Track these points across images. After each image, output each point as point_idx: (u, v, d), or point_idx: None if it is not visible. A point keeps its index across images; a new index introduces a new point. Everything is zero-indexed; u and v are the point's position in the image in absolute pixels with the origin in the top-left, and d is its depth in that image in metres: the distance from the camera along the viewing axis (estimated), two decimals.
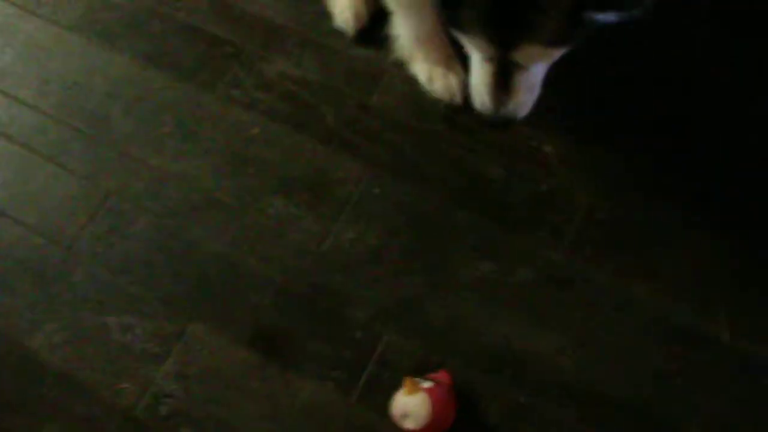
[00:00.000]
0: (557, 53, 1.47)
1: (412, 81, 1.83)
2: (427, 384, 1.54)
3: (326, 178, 1.77)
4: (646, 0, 1.30)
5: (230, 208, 1.76)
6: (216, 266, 1.72)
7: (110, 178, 1.81)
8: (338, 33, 1.91)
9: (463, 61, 1.71)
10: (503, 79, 1.49)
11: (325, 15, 1.92)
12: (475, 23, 1.37)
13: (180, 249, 1.74)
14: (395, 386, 1.56)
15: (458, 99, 1.79)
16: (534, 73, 1.51)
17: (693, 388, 1.59)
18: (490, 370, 1.62)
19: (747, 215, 1.72)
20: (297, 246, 1.72)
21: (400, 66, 1.85)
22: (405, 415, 1.53)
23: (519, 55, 1.42)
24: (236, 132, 1.83)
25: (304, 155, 1.80)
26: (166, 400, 1.62)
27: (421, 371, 1.59)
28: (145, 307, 1.70)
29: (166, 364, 1.65)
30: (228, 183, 1.78)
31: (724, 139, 1.79)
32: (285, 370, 1.64)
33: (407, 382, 1.53)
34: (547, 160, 1.78)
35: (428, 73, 1.81)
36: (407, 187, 1.76)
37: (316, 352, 1.65)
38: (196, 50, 1.92)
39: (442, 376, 1.59)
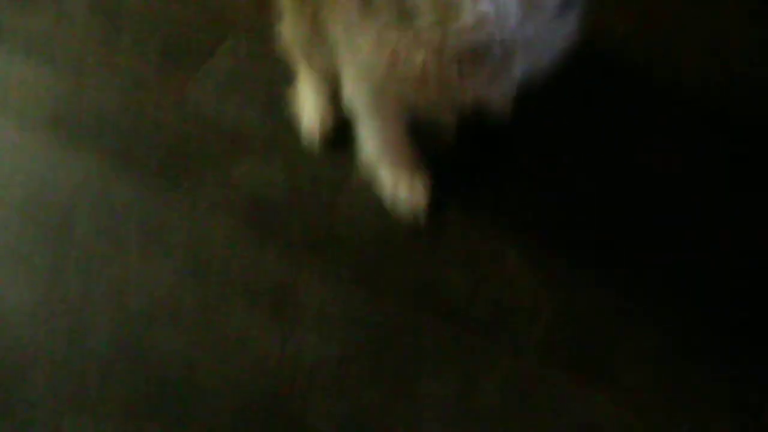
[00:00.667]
0: None
1: (376, 187, 1.84)
2: None
3: (289, 286, 1.77)
4: None
5: (191, 313, 1.75)
6: (175, 371, 1.70)
7: (71, 277, 1.79)
8: (304, 136, 1.92)
9: (429, 169, 1.74)
10: None
11: (292, 116, 1.94)
12: None
13: (139, 352, 1.72)
14: None
15: (422, 205, 1.80)
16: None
17: None
18: None
19: (712, 327, 1.73)
20: (257, 354, 1.71)
21: (366, 172, 1.86)
22: None
23: None
24: (200, 233, 1.82)
25: (268, 261, 1.79)
26: None
27: None
28: (101, 409, 1.67)
29: None
30: (190, 287, 1.77)
31: (693, 256, 1.81)
32: None
33: None
34: (511, 265, 1.79)
35: (393, 179, 1.82)
36: (371, 295, 1.76)
37: None
38: (162, 151, 1.92)
39: None
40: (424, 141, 1.83)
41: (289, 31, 1.95)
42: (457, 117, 1.70)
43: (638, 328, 1.73)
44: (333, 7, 1.69)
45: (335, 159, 1.90)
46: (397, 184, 1.82)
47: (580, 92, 1.90)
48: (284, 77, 1.97)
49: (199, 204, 1.86)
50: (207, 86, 2.00)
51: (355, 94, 1.67)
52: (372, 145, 1.81)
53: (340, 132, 1.88)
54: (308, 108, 1.91)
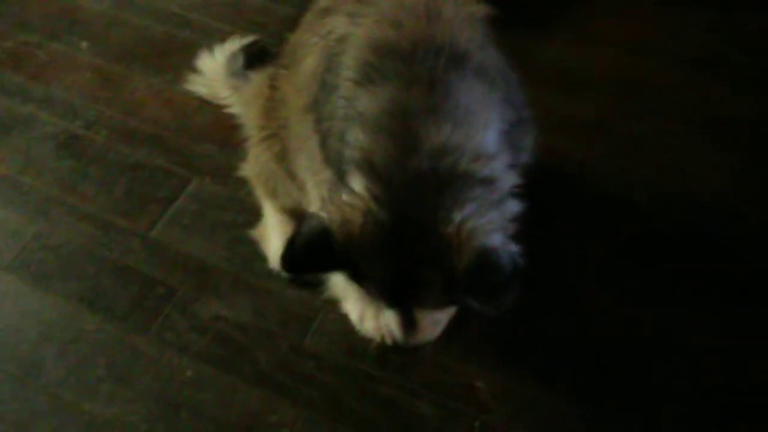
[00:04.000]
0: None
1: (344, 320, 1.87)
2: None
3: (260, 422, 1.76)
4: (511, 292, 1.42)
5: None
6: None
7: (41, 424, 1.77)
8: (271, 274, 1.95)
9: None
10: (408, 323, 1.60)
11: (258, 256, 1.97)
12: (376, 291, 1.52)
13: None
14: None
15: (389, 339, 1.82)
16: (436, 316, 1.65)
17: None
18: None
19: None
20: None
21: (333, 305, 1.89)
22: None
23: (416, 311, 1.58)
24: (169, 375, 1.82)
25: (238, 398, 1.79)
26: None
27: None
28: None
29: None
30: (161, 428, 1.76)
31: (654, 378, 1.85)
32: None
33: None
34: (480, 396, 1.81)
35: (360, 312, 1.85)
36: (342, 430, 1.76)
37: None
38: (130, 292, 1.94)
39: None
40: None
41: (253, 169, 2.01)
42: None
43: None
44: (299, 147, 1.76)
45: (302, 296, 1.93)
46: (363, 318, 1.85)
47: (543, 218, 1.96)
48: (248, 217, 2.02)
49: (167, 346, 1.86)
50: (173, 226, 2.03)
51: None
52: (339, 278, 1.84)
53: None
54: (274, 243, 1.95)
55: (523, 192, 1.50)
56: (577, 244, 2.01)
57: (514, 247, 1.44)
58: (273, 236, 1.97)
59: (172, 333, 1.88)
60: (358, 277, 1.51)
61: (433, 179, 1.39)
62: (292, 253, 1.49)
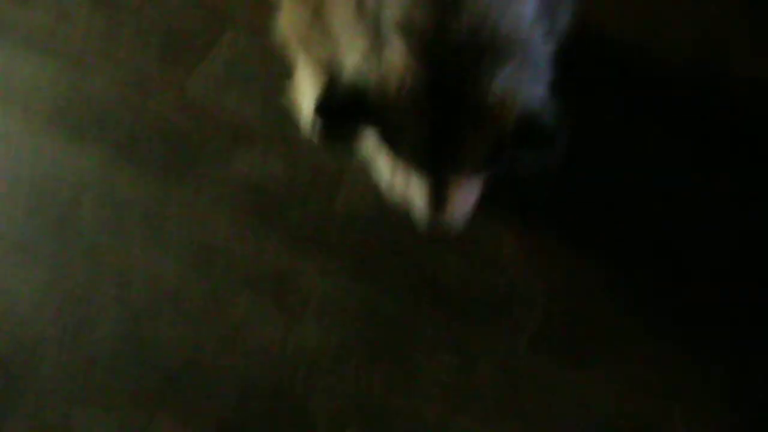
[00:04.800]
0: (487, 176, 1.58)
1: (375, 179, 1.87)
2: None
3: (290, 274, 1.81)
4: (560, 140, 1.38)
5: (195, 303, 1.79)
6: (181, 361, 1.75)
7: (77, 270, 1.83)
8: (304, 130, 1.94)
9: None
10: (439, 196, 1.55)
11: (292, 111, 1.96)
12: (410, 154, 1.47)
13: (146, 343, 1.77)
14: None
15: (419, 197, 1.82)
16: (467, 190, 1.58)
17: None
18: None
19: (702, 310, 1.78)
20: (261, 343, 1.76)
21: (365, 163, 1.89)
22: None
23: (451, 179, 1.51)
24: (202, 227, 1.86)
25: (269, 252, 1.83)
26: None
27: None
28: (110, 400, 1.72)
29: None
30: (194, 279, 1.81)
31: (676, 239, 1.85)
32: None
33: None
34: (507, 254, 1.83)
35: (389, 177, 1.85)
36: (370, 284, 1.80)
37: None
38: (164, 144, 1.95)
39: None
40: None
41: (287, 20, 1.96)
42: None
43: (632, 315, 1.78)
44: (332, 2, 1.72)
45: (335, 151, 1.93)
46: (395, 176, 1.85)
47: (576, 86, 1.92)
48: (283, 70, 2.00)
49: (200, 196, 1.89)
50: (207, 80, 2.02)
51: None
52: (371, 137, 1.83)
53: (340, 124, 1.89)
54: (308, 99, 1.93)
55: (562, 59, 1.48)
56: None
57: (555, 107, 1.42)
58: (306, 91, 1.95)
59: (206, 185, 1.90)
60: (390, 136, 1.49)
61: (473, 41, 1.36)
62: (326, 100, 1.48)
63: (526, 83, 1.39)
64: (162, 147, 1.95)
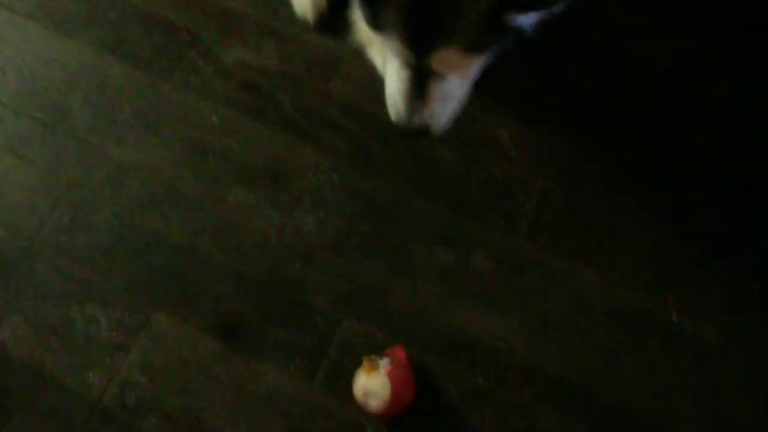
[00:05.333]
0: (474, 62, 1.48)
1: (370, 67, 1.84)
2: (384, 362, 1.59)
3: (285, 166, 1.80)
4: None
5: (191, 197, 1.78)
6: (177, 256, 1.75)
7: (70, 168, 1.82)
8: (297, 20, 1.91)
9: None
10: (419, 88, 1.49)
11: (284, 2, 1.93)
12: (393, 22, 1.36)
13: (141, 239, 1.76)
14: (356, 371, 1.61)
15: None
16: (451, 85, 1.51)
17: (642, 370, 1.65)
18: (447, 354, 1.67)
19: (694, 201, 1.77)
20: (257, 234, 1.75)
21: (359, 52, 1.86)
22: (367, 396, 1.59)
23: (435, 61, 1.42)
24: (195, 121, 1.84)
25: (264, 144, 1.82)
26: (132, 390, 1.66)
27: (378, 353, 1.64)
28: (108, 297, 1.72)
29: (131, 354, 1.68)
30: (188, 172, 1.80)
31: (674, 127, 1.83)
32: (248, 357, 1.68)
33: (366, 361, 1.59)
34: (503, 146, 1.81)
35: (382, 59, 1.81)
36: (365, 175, 1.79)
37: (277, 339, 1.68)
38: (154, 38, 1.92)
39: (398, 351, 1.64)
40: None
41: None
42: None
43: (627, 209, 1.78)
44: None
45: (328, 42, 1.90)
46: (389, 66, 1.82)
47: None
48: None
49: (192, 90, 1.87)
50: None
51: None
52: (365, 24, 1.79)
53: (334, 13, 1.87)
54: None
55: None
56: None
57: None
58: None
59: (197, 78, 1.88)
60: (374, 2, 1.37)
61: None
62: None
63: None
64: (150, 41, 1.92)
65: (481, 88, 1.74)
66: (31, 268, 1.75)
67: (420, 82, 1.48)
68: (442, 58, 1.41)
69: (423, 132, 1.55)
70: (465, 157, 1.80)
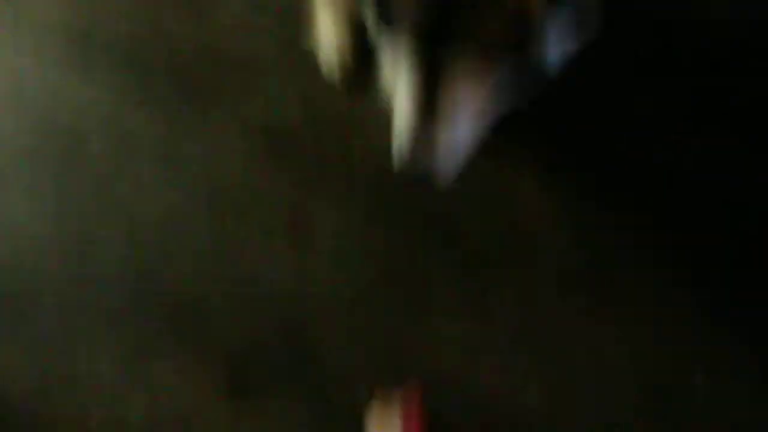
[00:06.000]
0: (487, 78, 1.29)
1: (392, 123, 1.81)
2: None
3: (304, 214, 1.76)
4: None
5: (205, 239, 1.75)
6: (188, 298, 1.70)
7: (84, 206, 1.78)
8: (322, 74, 1.88)
9: None
10: (429, 102, 1.27)
11: (311, 51, 1.90)
12: (407, 10, 1.21)
13: (154, 282, 1.72)
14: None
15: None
16: (461, 119, 1.32)
17: None
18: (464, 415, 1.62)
19: (728, 275, 1.73)
20: (272, 285, 1.71)
21: (384, 106, 1.83)
22: None
23: (451, 68, 1.25)
24: (214, 161, 1.80)
25: (283, 189, 1.78)
26: None
27: None
28: (114, 339, 1.69)
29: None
30: (205, 217, 1.76)
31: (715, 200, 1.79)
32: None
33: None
34: (523, 197, 1.77)
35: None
36: (384, 227, 1.75)
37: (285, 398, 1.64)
38: (177, 80, 1.86)
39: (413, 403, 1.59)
40: None
41: None
42: None
43: (656, 269, 1.73)
44: None
45: (353, 93, 1.87)
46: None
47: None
48: (303, 7, 1.93)
49: (213, 131, 1.83)
50: (224, 14, 1.95)
51: None
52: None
53: (361, 64, 1.83)
54: (327, 37, 1.87)
55: None
56: None
57: None
58: (326, 29, 1.87)
59: (219, 119, 1.83)
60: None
61: None
62: None
63: None
64: (174, 83, 1.89)
65: (497, 135, 1.72)
66: (38, 303, 1.71)
67: (430, 92, 1.27)
68: (459, 64, 1.24)
69: (426, 175, 1.35)
70: (484, 209, 1.76)
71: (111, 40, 1.93)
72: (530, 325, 1.68)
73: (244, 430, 1.61)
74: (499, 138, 1.71)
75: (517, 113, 1.50)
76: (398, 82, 1.32)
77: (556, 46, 1.26)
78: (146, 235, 1.75)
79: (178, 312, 1.70)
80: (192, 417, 1.62)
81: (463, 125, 1.32)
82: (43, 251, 1.75)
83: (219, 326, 1.68)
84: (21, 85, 1.89)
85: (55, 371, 1.66)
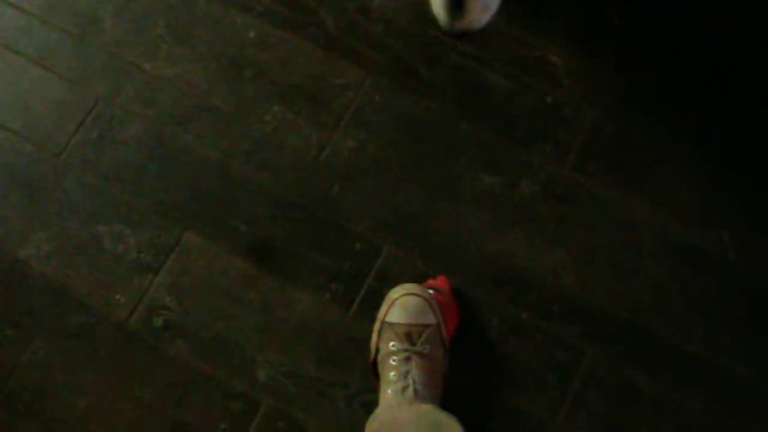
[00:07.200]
0: None
1: None
2: (429, 293, 1.51)
3: (325, 84, 1.71)
4: None
5: (226, 114, 1.70)
6: (211, 174, 1.67)
7: (100, 82, 1.74)
8: None
9: None
10: None
11: None
12: None
13: (173, 156, 1.69)
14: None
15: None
16: None
17: (692, 308, 1.58)
18: (491, 286, 1.60)
19: (752, 139, 1.69)
20: (295, 155, 1.67)
21: None
22: None
23: None
24: (232, 35, 1.75)
25: (303, 61, 1.73)
26: (161, 312, 1.59)
27: (421, 281, 1.56)
28: (137, 216, 1.65)
29: (159, 275, 1.61)
30: (223, 89, 1.72)
31: (735, 61, 1.74)
32: (282, 282, 1.61)
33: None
34: (554, 71, 1.73)
35: None
36: (408, 96, 1.70)
37: (313, 264, 1.61)
38: None
39: (441, 282, 1.56)
40: None
41: None
42: None
43: (677, 138, 1.69)
44: None
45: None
46: None
47: None
48: None
49: (229, 2, 1.78)
50: None
51: None
52: None
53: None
54: None
55: None
56: None
57: None
58: None
59: None
60: None
61: None
62: None
63: None
64: None
65: (535, 11, 1.66)
66: (58, 185, 1.67)
67: None
68: None
69: (465, 34, 1.50)
70: (515, 82, 1.71)
71: None
72: (557, 193, 1.64)
73: (269, 298, 1.59)
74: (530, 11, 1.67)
75: None
76: None
77: None
78: (163, 110, 1.72)
79: (197, 187, 1.67)
80: (219, 286, 1.60)
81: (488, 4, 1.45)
82: (57, 131, 1.71)
83: (239, 199, 1.65)
84: None
85: (77, 243, 1.64)
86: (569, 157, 1.67)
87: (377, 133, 1.68)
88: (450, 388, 1.50)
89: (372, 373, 1.51)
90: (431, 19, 1.57)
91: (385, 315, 1.50)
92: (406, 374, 1.43)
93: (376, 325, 1.51)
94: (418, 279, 1.57)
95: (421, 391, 1.42)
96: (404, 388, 1.42)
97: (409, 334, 1.46)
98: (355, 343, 1.56)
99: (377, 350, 1.50)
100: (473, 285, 1.59)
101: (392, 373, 1.44)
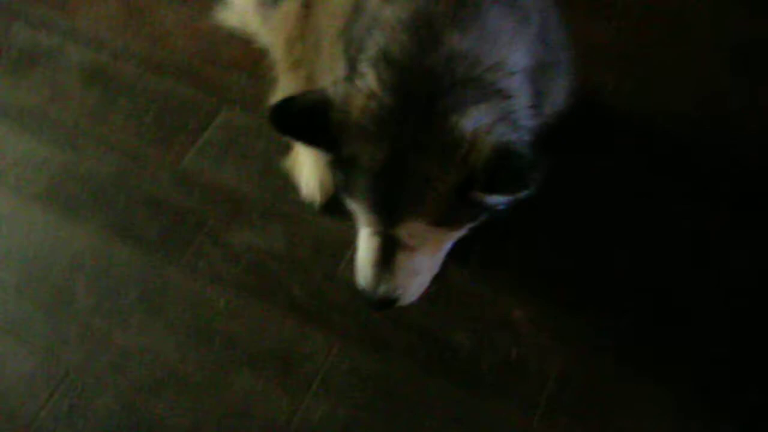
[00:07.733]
0: (445, 237, 1.47)
1: None
2: None
3: (294, 351, 1.75)
4: (536, 179, 1.26)
5: (196, 383, 1.72)
6: None
7: (72, 352, 1.76)
8: (304, 203, 1.91)
9: None
10: (387, 259, 1.45)
11: (290, 185, 1.93)
12: (362, 190, 1.36)
13: (145, 424, 1.69)
14: None
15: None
16: (420, 259, 1.48)
17: None
18: None
19: (718, 376, 1.73)
20: (265, 423, 1.69)
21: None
22: None
23: (404, 232, 1.40)
24: (202, 305, 1.81)
25: (271, 328, 1.78)
26: None
27: None
28: None
29: None
30: (193, 357, 1.75)
31: (698, 309, 1.81)
32: None
33: None
34: (517, 326, 1.78)
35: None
36: (376, 359, 1.74)
37: None
38: (160, 222, 1.91)
39: None
40: None
41: (282, 95, 1.94)
42: None
43: (641, 383, 1.73)
44: (328, 71, 1.70)
45: (334, 225, 1.89)
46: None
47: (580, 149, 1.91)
48: (280, 147, 1.97)
49: (199, 273, 1.84)
50: (203, 159, 1.99)
51: None
52: None
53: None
54: (306, 173, 1.91)
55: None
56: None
57: (532, 153, 1.30)
58: (305, 165, 1.92)
59: (204, 263, 1.86)
60: (346, 166, 1.36)
61: (447, 76, 1.28)
62: (285, 109, 1.35)
63: (500, 124, 1.30)
64: (158, 225, 1.91)
65: (493, 266, 1.73)
66: None
67: (388, 252, 1.44)
68: (411, 230, 1.39)
69: (388, 303, 1.51)
70: (478, 337, 1.76)
71: (91, 183, 1.97)
72: None
73: None
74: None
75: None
76: (360, 237, 1.51)
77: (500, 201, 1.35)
78: (135, 378, 1.74)
79: None
80: None
81: (422, 266, 1.51)
82: (30, 399, 1.72)
83: None
84: (3, 230, 1.93)
85: None
86: (537, 411, 1.69)
87: (347, 397, 1.71)
88: None
89: None
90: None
91: None
92: None
93: None
94: None
95: None
96: None
97: None
98: None
99: None
100: None
101: None
